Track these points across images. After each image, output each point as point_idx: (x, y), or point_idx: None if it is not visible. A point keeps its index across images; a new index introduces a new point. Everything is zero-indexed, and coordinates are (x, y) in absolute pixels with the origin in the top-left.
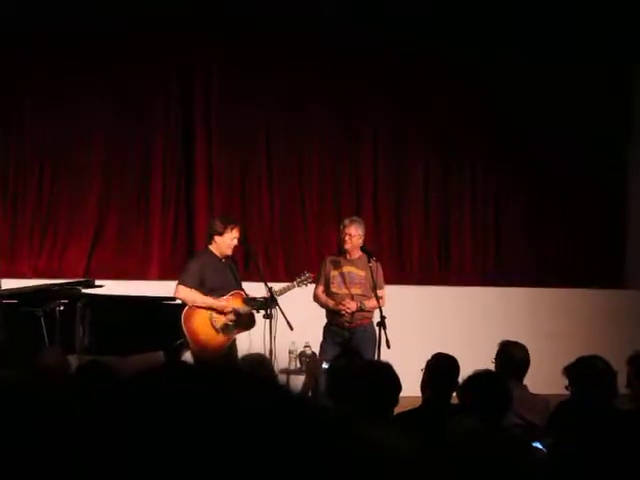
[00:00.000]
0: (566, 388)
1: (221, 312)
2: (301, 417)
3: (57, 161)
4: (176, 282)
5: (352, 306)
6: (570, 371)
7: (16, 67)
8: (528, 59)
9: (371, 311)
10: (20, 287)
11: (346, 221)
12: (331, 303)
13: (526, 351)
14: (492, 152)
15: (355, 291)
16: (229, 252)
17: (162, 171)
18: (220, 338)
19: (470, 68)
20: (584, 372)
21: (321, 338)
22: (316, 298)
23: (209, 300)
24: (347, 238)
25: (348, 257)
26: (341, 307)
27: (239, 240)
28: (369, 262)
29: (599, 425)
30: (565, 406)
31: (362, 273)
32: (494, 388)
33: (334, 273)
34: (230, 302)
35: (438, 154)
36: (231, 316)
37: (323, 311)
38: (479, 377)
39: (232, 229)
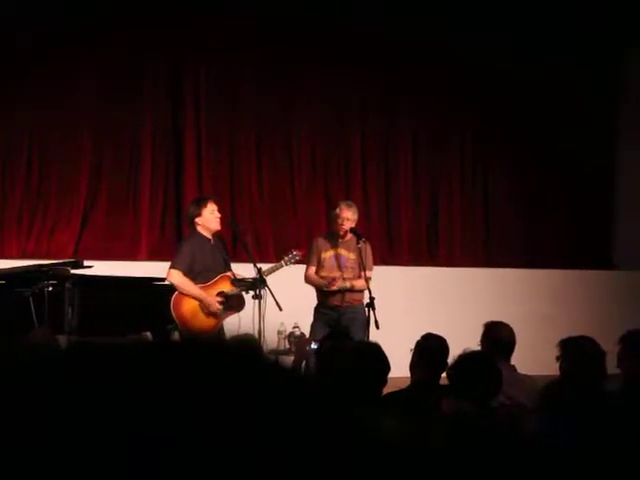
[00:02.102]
0: (557, 359)
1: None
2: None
3: (46, 143)
4: (167, 265)
5: (337, 284)
6: (560, 349)
7: (3, 53)
8: (520, 56)
9: (360, 291)
10: (8, 268)
11: (342, 205)
12: (323, 282)
13: (511, 331)
14: (482, 135)
15: (346, 274)
16: (218, 226)
17: (151, 153)
18: (210, 321)
19: (460, 53)
20: (573, 352)
21: (310, 319)
22: (307, 279)
23: (199, 293)
24: (343, 222)
25: (340, 239)
26: (328, 285)
27: (222, 219)
28: (358, 244)
29: (589, 406)
30: (554, 386)
31: (352, 256)
32: (485, 369)
33: (325, 255)
34: (218, 287)
35: (427, 136)
36: (220, 299)
37: (312, 292)
38: (470, 358)
39: (206, 204)
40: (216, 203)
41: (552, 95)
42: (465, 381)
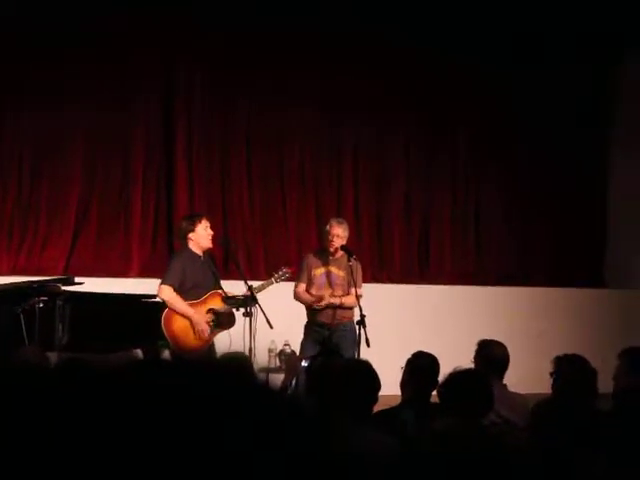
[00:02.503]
0: (551, 375)
1: (199, 314)
2: (284, 418)
3: (37, 158)
4: (159, 281)
5: (325, 300)
6: (554, 366)
7: None
8: (514, 61)
9: (350, 308)
10: None
11: (333, 222)
12: (312, 300)
13: (505, 349)
14: (474, 152)
15: (336, 292)
16: (210, 244)
17: (142, 169)
18: (201, 339)
19: (454, 64)
20: (567, 369)
21: (301, 336)
22: (297, 296)
23: (188, 311)
24: (335, 239)
25: (330, 257)
26: (316, 303)
27: (214, 237)
28: (349, 261)
29: (581, 424)
30: (545, 404)
31: (342, 274)
32: (476, 387)
33: (315, 272)
34: (208, 305)
35: (419, 153)
36: (210, 316)
37: (303, 309)
38: (461, 375)
39: (200, 220)
40: (209, 220)
41: (546, 110)
42: (456, 399)
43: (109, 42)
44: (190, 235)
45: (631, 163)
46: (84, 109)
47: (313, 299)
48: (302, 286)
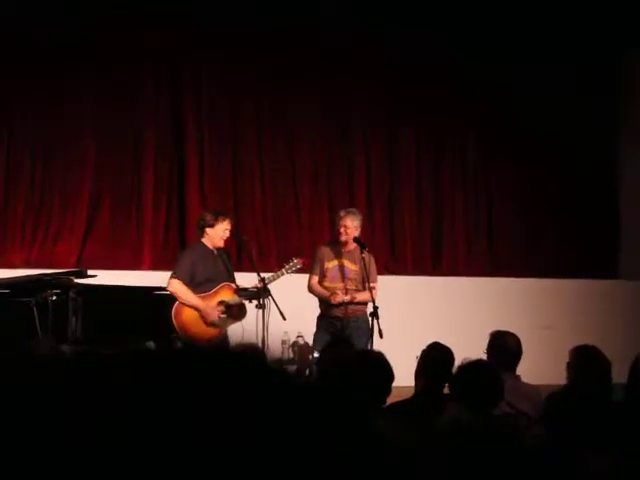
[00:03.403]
0: (567, 365)
1: (209, 306)
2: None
3: (49, 152)
4: (169, 274)
5: (338, 298)
6: (572, 356)
7: (4, 63)
8: (521, 57)
9: (364, 303)
10: (12, 277)
11: (342, 212)
12: (326, 294)
13: (518, 341)
14: (485, 143)
15: (349, 285)
16: (221, 244)
17: (154, 162)
18: (211, 331)
19: (464, 61)
20: (584, 360)
21: (314, 328)
22: (311, 289)
23: (198, 302)
24: (342, 230)
25: (343, 249)
26: (330, 299)
27: (231, 232)
28: (362, 253)
29: (595, 415)
30: (559, 396)
31: (355, 267)
32: (485, 378)
33: (328, 265)
34: (218, 297)
35: (431, 145)
36: (220, 308)
37: (316, 301)
38: (469, 367)
39: (223, 220)
40: (232, 223)
41: (557, 104)
42: (465, 390)
43: (118, 38)
44: (208, 230)
45: None
46: (95, 104)
47: (327, 293)
48: (315, 278)
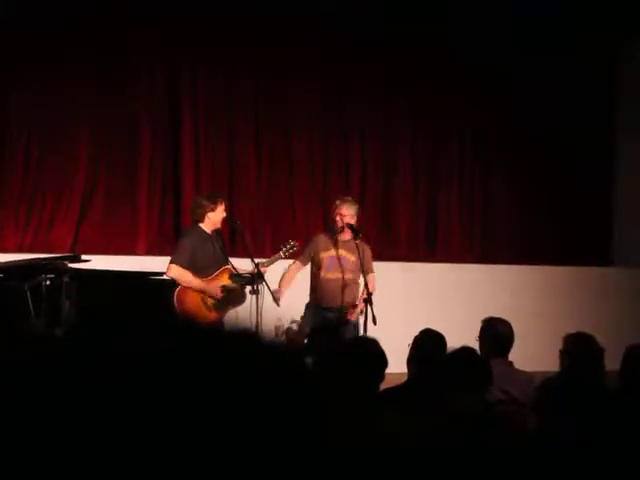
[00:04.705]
0: (560, 352)
1: (211, 287)
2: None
3: (44, 136)
4: (165, 259)
5: (354, 316)
6: (565, 343)
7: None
8: (519, 49)
9: (357, 290)
10: (6, 261)
11: (338, 201)
12: (287, 286)
13: (510, 327)
14: (480, 130)
15: (347, 276)
16: (220, 225)
17: (149, 146)
18: (212, 316)
19: (460, 52)
20: (577, 347)
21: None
22: (285, 271)
23: (201, 284)
24: (339, 218)
25: (339, 238)
26: (351, 315)
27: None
28: (355, 239)
29: (588, 402)
30: (553, 382)
31: (353, 258)
32: (472, 364)
33: (324, 255)
34: (219, 281)
35: (426, 132)
36: (221, 293)
37: (309, 287)
38: (455, 354)
39: (221, 203)
40: (226, 204)
41: (551, 92)
42: (453, 378)
43: (113, 24)
44: (210, 214)
45: (638, 143)
46: (90, 89)
47: (288, 286)
48: (297, 264)
